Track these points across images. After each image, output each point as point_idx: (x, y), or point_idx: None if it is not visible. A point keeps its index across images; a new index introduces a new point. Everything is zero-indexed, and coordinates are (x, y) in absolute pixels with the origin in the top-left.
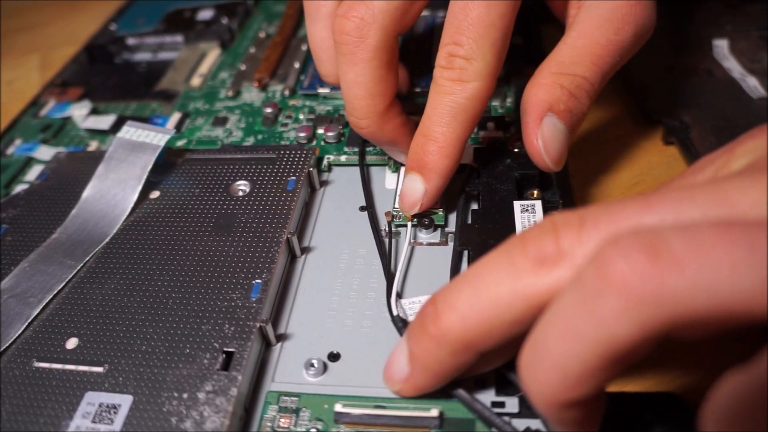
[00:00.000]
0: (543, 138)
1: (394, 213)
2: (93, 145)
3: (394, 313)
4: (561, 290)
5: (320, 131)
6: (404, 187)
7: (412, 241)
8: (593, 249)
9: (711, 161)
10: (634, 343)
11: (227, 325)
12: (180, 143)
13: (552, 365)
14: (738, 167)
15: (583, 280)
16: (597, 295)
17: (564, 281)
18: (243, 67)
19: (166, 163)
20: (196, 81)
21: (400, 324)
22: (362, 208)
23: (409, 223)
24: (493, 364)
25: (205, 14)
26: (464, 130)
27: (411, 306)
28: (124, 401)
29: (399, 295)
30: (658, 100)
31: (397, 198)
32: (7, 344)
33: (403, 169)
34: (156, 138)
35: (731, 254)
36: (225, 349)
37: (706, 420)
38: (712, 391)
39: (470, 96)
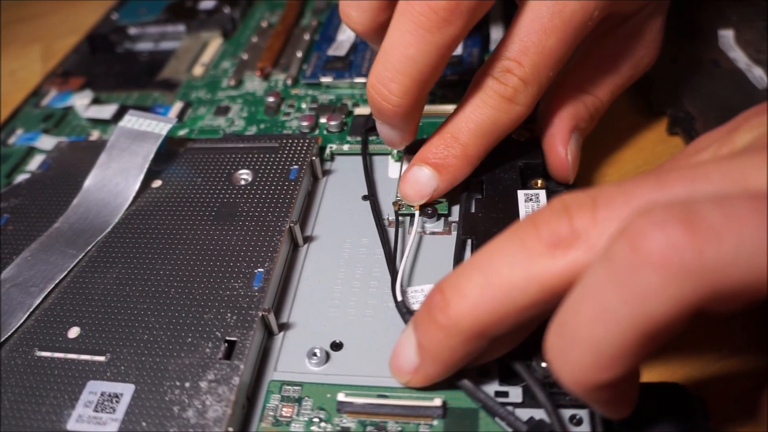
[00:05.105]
0: (572, 154)
1: (401, 202)
2: (95, 135)
3: (399, 299)
4: (580, 272)
5: (323, 120)
6: (414, 177)
7: (418, 230)
8: (610, 229)
9: (712, 139)
10: (673, 317)
11: (229, 314)
12: (182, 132)
13: (584, 348)
14: (743, 144)
15: (614, 256)
16: (632, 270)
17: (580, 263)
18: (245, 57)
19: (168, 152)
20: (198, 70)
21: (404, 310)
22: (365, 198)
23: (416, 212)
24: (500, 351)
25: (207, 4)
26: (493, 144)
27: (414, 294)
28: (126, 390)
29: (402, 284)
30: (662, 90)
31: (401, 185)
32: (9, 333)
33: (405, 159)
34: (158, 127)
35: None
36: (227, 338)
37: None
38: None
39: (514, 118)
